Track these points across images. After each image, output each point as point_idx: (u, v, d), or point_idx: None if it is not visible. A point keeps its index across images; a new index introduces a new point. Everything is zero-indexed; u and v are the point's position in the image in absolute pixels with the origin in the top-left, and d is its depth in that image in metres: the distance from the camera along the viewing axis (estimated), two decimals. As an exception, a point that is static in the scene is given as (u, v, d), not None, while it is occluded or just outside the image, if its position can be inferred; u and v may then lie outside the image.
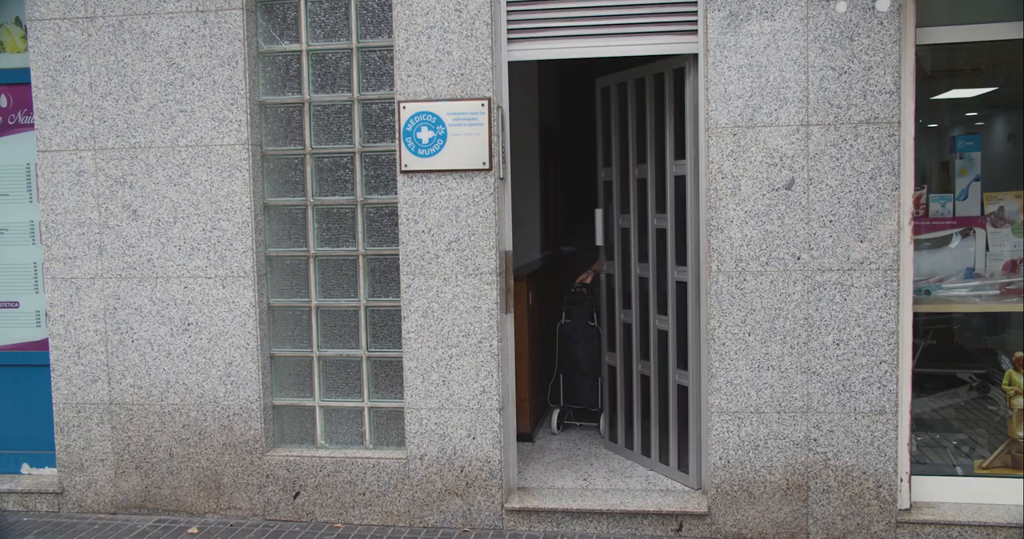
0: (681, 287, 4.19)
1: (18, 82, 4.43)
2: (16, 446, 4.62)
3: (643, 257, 4.51)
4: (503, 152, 4.00)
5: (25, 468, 4.63)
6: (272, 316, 4.30)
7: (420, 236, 4.00)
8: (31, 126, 4.43)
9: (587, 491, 4.17)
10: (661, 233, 4.32)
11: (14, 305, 4.61)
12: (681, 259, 4.17)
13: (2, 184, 4.56)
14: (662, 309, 4.36)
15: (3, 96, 4.52)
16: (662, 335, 4.38)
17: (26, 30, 4.29)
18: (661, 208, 4.32)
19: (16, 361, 4.59)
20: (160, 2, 4.10)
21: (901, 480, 3.76)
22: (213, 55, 4.09)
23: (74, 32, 4.17)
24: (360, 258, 4.23)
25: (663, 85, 4.24)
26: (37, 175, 4.27)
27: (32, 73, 4.21)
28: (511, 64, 4.03)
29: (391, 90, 4.11)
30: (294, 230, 4.28)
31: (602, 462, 4.63)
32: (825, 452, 3.75)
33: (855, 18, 3.63)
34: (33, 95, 4.22)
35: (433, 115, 3.93)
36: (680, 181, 4.15)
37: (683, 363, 4.20)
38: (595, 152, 4.66)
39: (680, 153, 4.13)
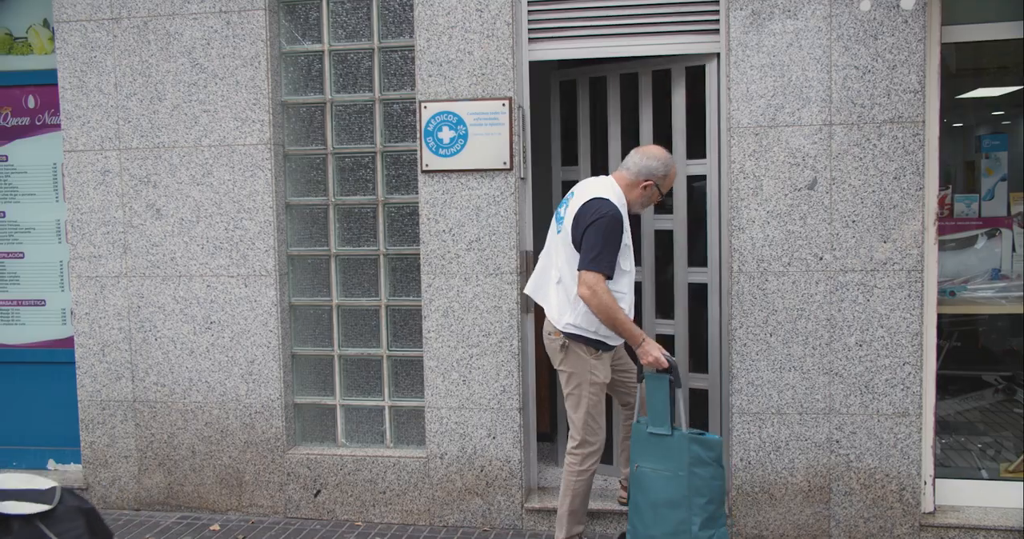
0: (695, 289, 4.14)
1: (46, 83, 4.48)
2: (42, 442, 4.68)
3: (637, 261, 4.33)
4: (524, 152, 4.01)
5: (51, 464, 4.69)
6: (293, 315, 4.33)
7: (441, 236, 4.01)
8: (58, 126, 4.49)
9: (606, 491, 4.15)
10: (666, 235, 4.24)
11: (40, 303, 4.68)
12: (695, 260, 4.13)
13: (29, 184, 4.63)
14: (666, 313, 4.31)
15: (31, 97, 4.58)
16: (668, 339, 4.31)
17: (54, 32, 4.35)
18: (665, 208, 4.23)
19: (42, 358, 4.65)
20: (184, 3, 4.14)
21: (925, 483, 3.72)
22: (236, 55, 4.12)
23: (100, 33, 4.22)
24: (381, 257, 4.25)
25: (669, 83, 4.15)
26: (63, 175, 4.33)
27: (59, 74, 4.27)
28: (532, 63, 4.03)
29: (412, 90, 4.12)
30: (316, 229, 4.31)
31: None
32: (847, 454, 3.72)
33: (879, 16, 3.59)
34: (60, 96, 4.28)
35: (454, 115, 3.94)
36: (691, 181, 4.11)
37: (699, 366, 4.17)
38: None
39: (693, 153, 4.10)
